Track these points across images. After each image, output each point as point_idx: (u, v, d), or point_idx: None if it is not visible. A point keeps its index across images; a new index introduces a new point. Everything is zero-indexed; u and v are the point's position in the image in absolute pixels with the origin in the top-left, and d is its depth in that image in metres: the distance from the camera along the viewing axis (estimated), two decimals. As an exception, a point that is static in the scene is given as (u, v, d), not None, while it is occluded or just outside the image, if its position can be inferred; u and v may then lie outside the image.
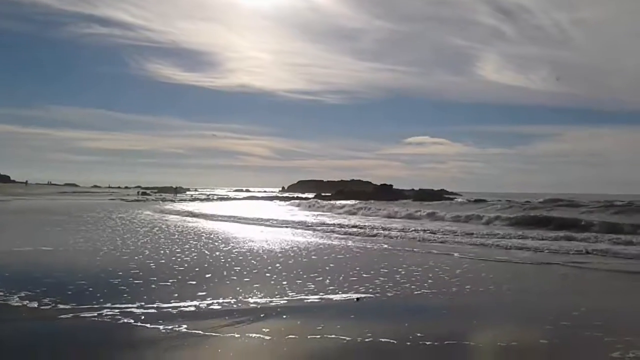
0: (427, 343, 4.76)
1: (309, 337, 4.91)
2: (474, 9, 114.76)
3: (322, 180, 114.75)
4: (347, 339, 4.85)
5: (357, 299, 6.59)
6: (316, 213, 30.07)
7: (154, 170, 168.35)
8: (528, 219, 20.31)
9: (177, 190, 75.47)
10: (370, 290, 7.20)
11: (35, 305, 5.87)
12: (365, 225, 19.12)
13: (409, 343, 4.75)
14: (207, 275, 8.12)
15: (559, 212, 22.78)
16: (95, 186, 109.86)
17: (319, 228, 18.68)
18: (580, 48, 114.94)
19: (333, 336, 4.94)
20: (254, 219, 22.85)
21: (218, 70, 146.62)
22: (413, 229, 17.91)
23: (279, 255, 10.87)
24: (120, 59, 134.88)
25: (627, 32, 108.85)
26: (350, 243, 13.76)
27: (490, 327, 5.54)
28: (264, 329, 5.09)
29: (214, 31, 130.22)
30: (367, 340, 4.82)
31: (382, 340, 4.84)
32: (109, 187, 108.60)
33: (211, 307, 6.01)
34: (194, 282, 7.53)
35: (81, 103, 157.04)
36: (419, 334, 5.02)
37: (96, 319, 5.37)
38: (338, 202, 36.37)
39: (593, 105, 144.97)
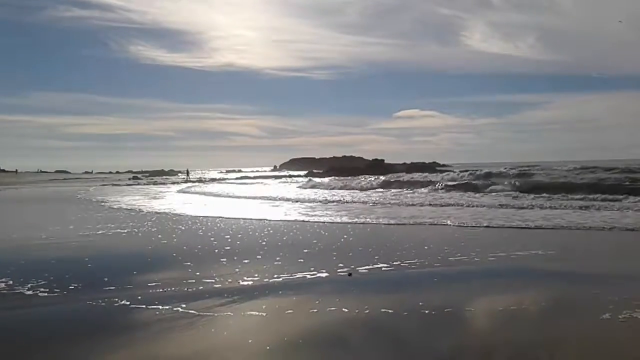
0: (426, 312, 4.81)
1: (310, 311, 4.94)
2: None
3: (314, 158, 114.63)
4: (347, 310, 4.90)
5: (350, 274, 6.60)
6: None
7: (143, 154, 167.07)
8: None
9: (188, 172, 76.23)
10: (362, 264, 7.20)
11: (31, 292, 5.84)
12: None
13: (406, 313, 4.79)
14: (201, 256, 8.13)
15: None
16: (86, 172, 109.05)
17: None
18: (567, 14, 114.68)
19: (334, 308, 4.97)
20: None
21: (203, 49, 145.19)
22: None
23: (267, 235, 10.90)
24: (102, 42, 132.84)
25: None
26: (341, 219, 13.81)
27: (487, 292, 5.61)
28: (262, 306, 5.10)
29: (196, 10, 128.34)
30: (366, 311, 4.85)
31: (383, 310, 4.87)
32: (94, 172, 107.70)
33: (206, 287, 6.01)
34: (189, 263, 7.53)
35: (65, 88, 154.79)
36: (420, 303, 5.07)
37: (92, 302, 5.35)
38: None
39: (581, 72, 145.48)
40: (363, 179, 32.28)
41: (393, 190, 25.26)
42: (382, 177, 31.85)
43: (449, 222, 12.10)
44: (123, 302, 5.33)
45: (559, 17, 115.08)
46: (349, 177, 38.02)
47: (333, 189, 29.52)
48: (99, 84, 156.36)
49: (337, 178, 39.94)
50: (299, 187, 33.46)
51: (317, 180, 38.54)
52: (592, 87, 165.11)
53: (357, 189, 28.05)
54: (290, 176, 61.26)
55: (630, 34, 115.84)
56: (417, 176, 30.75)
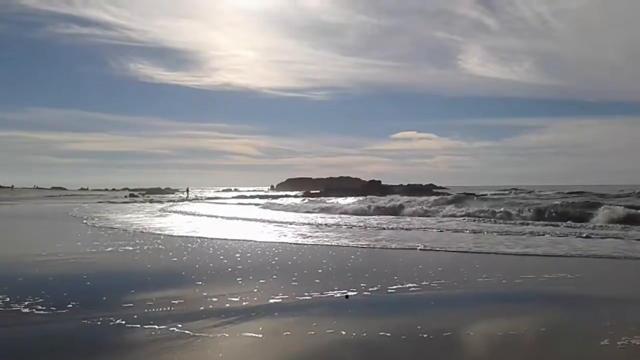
0: (424, 335, 4.77)
1: (307, 333, 4.90)
2: (456, 2, 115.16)
3: (311, 178, 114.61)
4: (345, 333, 4.86)
5: (347, 296, 6.55)
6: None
7: (140, 172, 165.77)
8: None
9: (188, 191, 76.51)
10: (359, 287, 7.14)
11: (28, 310, 5.78)
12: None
13: (404, 336, 4.74)
14: (196, 276, 8.07)
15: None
16: (82, 189, 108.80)
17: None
18: (563, 39, 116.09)
19: (331, 331, 4.93)
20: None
21: (201, 69, 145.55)
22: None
23: (263, 256, 10.86)
24: (102, 59, 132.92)
25: (607, 22, 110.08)
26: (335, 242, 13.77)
27: (486, 317, 5.58)
28: (259, 327, 5.05)
29: (196, 29, 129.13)
30: (364, 334, 4.81)
31: (381, 333, 4.83)
32: (90, 189, 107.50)
33: (202, 307, 5.95)
34: (184, 283, 7.49)
35: (63, 105, 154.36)
36: (419, 327, 5.04)
37: (87, 321, 5.29)
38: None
39: (577, 97, 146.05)
40: (333, 201, 31.79)
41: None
42: (350, 200, 31.14)
43: (444, 247, 12.08)
44: (119, 321, 5.28)
45: (555, 42, 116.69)
46: (319, 199, 38.93)
47: (295, 210, 28.97)
48: (97, 101, 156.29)
49: (310, 199, 40.93)
50: (261, 207, 34.10)
51: (277, 201, 39.60)
52: (589, 113, 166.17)
53: (321, 212, 26.82)
54: (287, 196, 61.22)
55: (626, 61, 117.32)
56: (404, 200, 29.12)
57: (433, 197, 29.46)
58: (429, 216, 22.46)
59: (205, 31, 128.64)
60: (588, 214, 19.12)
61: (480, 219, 20.25)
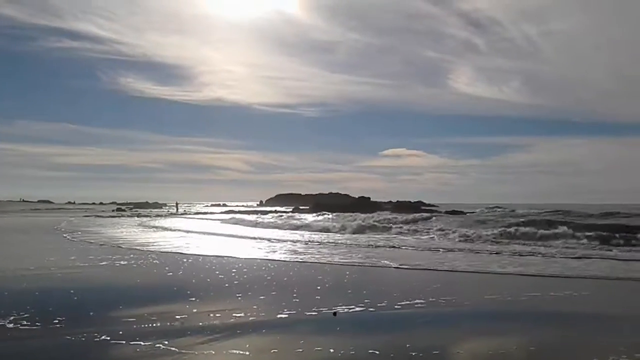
0: (413, 353, 4.74)
1: (294, 350, 4.85)
2: (446, 22, 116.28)
3: (300, 194, 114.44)
4: (333, 351, 4.81)
5: (335, 313, 6.50)
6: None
7: (128, 186, 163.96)
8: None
9: (177, 205, 76.03)
10: (347, 304, 7.09)
11: (12, 325, 5.67)
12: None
13: (393, 355, 4.71)
14: (184, 293, 7.99)
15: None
16: (69, 202, 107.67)
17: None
18: (550, 60, 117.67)
19: (319, 349, 4.87)
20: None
21: (192, 83, 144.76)
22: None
23: (249, 273, 10.79)
24: (92, 73, 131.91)
25: (594, 44, 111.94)
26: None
27: (476, 335, 5.57)
28: (245, 345, 4.99)
29: (187, 44, 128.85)
30: (352, 352, 4.77)
31: (370, 351, 4.79)
32: (77, 202, 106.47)
33: (189, 323, 5.87)
34: (171, 299, 7.41)
35: (51, 118, 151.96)
36: (407, 345, 5.00)
37: (71, 337, 5.19)
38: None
39: (564, 117, 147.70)
40: (301, 217, 31.75)
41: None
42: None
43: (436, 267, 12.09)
44: (103, 337, 5.18)
45: (542, 63, 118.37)
46: (284, 215, 39.17)
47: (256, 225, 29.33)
48: (87, 115, 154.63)
49: (281, 214, 41.03)
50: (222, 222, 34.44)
51: (244, 217, 39.30)
52: (576, 132, 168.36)
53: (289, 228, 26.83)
54: (276, 211, 61.05)
55: (613, 82, 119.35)
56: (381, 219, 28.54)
57: (421, 214, 29.56)
58: (418, 233, 22.41)
59: (196, 46, 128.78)
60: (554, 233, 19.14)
61: (467, 236, 20.21)
